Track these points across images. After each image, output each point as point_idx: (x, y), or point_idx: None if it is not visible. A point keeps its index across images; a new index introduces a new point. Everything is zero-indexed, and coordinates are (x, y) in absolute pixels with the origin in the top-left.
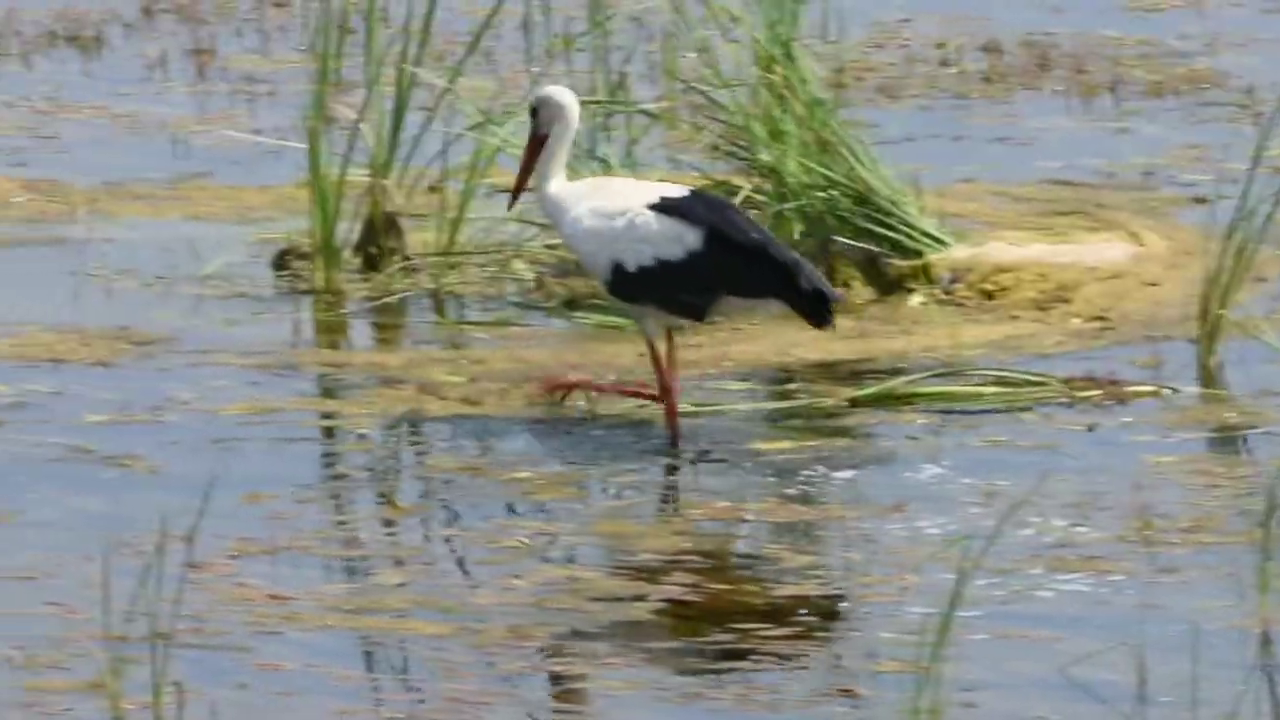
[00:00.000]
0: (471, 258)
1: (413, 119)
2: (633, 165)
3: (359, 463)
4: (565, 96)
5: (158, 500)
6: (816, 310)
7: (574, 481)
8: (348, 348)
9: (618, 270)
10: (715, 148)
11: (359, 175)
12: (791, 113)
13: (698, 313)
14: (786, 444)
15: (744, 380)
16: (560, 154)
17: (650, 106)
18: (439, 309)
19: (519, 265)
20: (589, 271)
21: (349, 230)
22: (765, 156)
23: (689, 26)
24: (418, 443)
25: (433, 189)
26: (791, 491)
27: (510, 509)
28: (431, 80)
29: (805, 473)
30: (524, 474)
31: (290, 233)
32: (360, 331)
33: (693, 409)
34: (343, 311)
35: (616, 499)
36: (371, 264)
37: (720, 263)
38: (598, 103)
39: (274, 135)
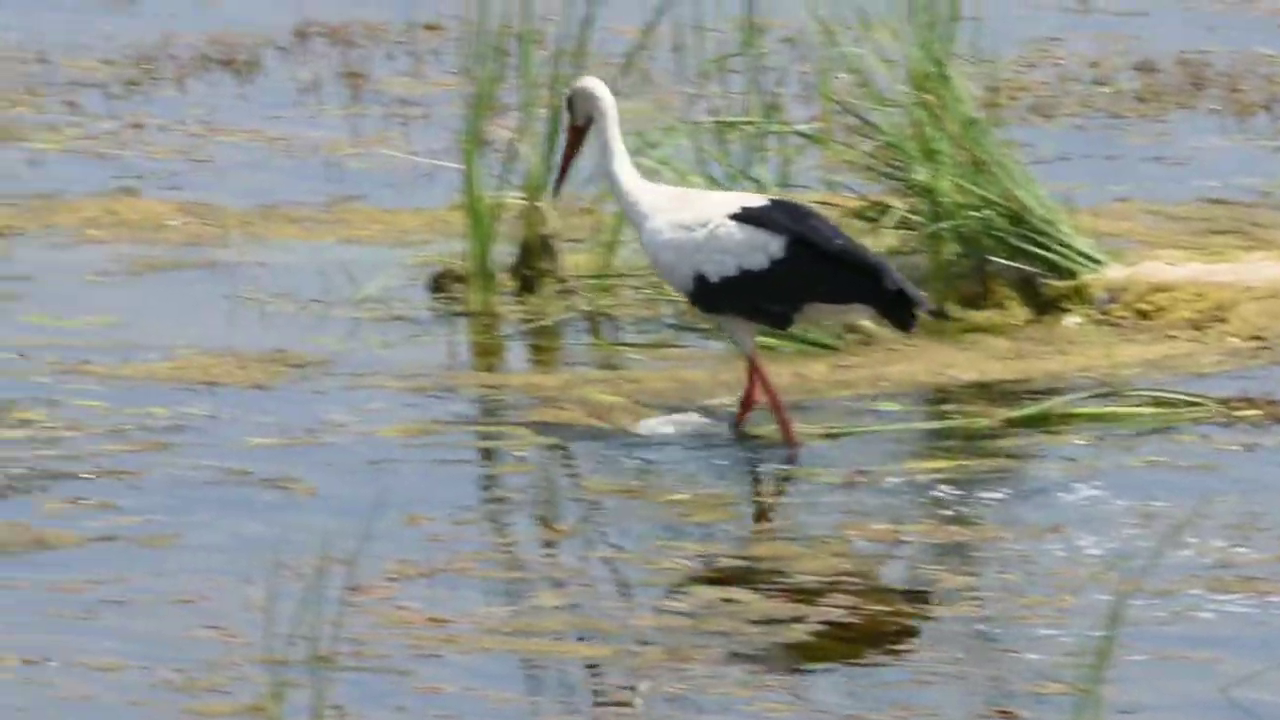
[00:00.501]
0: (626, 279)
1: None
2: (786, 185)
3: (517, 484)
4: (596, 86)
5: (317, 523)
6: (901, 313)
7: (730, 503)
8: (504, 370)
9: (700, 281)
10: (869, 168)
11: (514, 197)
12: (946, 132)
13: (783, 321)
14: (942, 464)
15: (899, 401)
16: (612, 141)
17: (804, 127)
18: (595, 331)
19: None
20: (668, 283)
21: (504, 253)
22: (919, 176)
23: (842, 47)
24: (575, 464)
25: (587, 211)
26: (948, 513)
27: (667, 530)
28: None
29: (961, 494)
30: (681, 495)
31: (445, 255)
32: (516, 354)
33: (848, 430)
34: (499, 334)
35: (773, 520)
36: (527, 286)
37: (805, 270)
38: (751, 123)
39: (428, 157)
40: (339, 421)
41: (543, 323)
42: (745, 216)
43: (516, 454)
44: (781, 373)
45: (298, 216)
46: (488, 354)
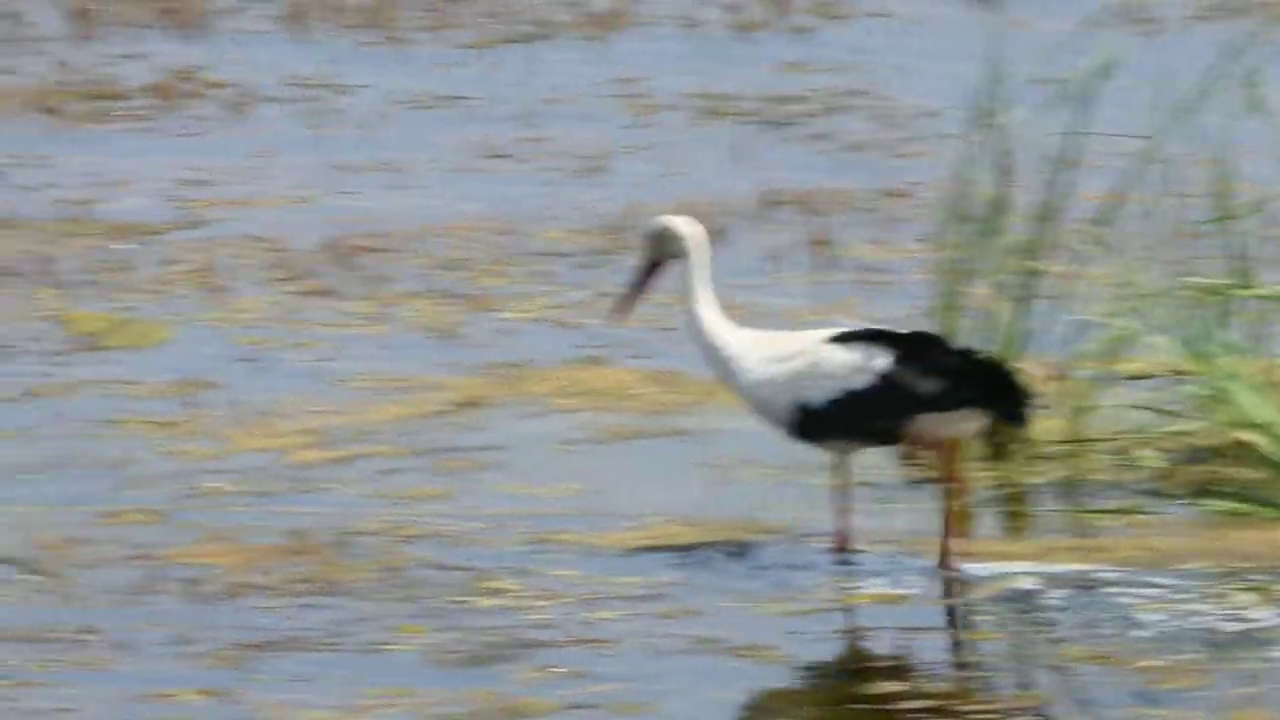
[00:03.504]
0: (1097, 445)
1: (1037, 306)
2: (1257, 350)
3: (989, 651)
4: (683, 225)
5: (788, 690)
6: (1014, 409)
7: (1208, 669)
8: (972, 537)
9: (803, 410)
10: None
11: None
12: None
13: (892, 439)
14: None
15: None
16: (697, 282)
17: (1275, 290)
18: (1065, 497)
19: (1147, 453)
20: (764, 419)
21: None
22: None
23: None
24: (1049, 629)
25: (1059, 377)
26: None
27: (1141, 698)
28: (1056, 268)
29: None
30: (1155, 661)
31: None
32: (984, 521)
33: None
34: (968, 500)
35: (1253, 687)
36: (998, 452)
37: (913, 381)
38: (1222, 288)
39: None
40: (808, 588)
41: (1012, 489)
42: (842, 338)
43: (987, 620)
44: (1250, 538)
45: None
46: (956, 520)
